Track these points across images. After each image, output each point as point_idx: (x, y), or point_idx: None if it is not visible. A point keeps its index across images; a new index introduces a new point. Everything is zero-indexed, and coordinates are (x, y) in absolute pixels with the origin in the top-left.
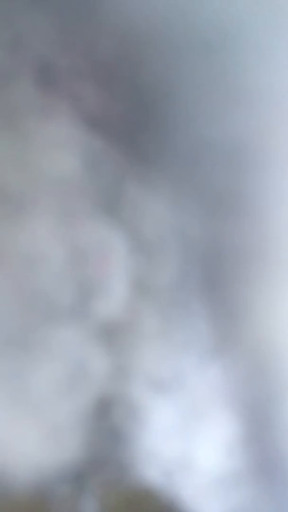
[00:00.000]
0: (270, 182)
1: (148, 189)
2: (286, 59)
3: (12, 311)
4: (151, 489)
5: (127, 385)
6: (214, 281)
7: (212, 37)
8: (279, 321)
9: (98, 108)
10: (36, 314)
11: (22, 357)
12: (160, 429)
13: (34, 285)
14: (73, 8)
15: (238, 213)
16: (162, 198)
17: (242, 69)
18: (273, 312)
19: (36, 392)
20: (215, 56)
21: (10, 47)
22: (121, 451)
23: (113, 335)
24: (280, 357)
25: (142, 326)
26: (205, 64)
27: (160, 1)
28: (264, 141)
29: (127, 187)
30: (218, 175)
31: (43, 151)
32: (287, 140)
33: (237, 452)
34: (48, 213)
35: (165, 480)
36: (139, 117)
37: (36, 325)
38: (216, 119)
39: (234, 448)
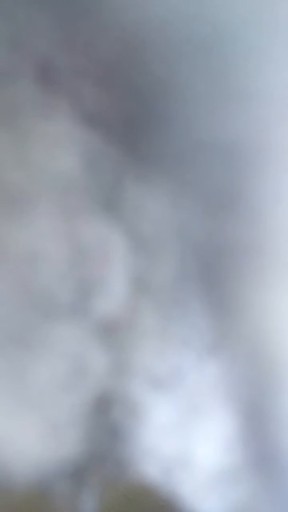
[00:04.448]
0: (268, 180)
1: (147, 187)
2: (284, 60)
3: (12, 308)
4: (150, 485)
5: (126, 382)
6: (212, 278)
7: (212, 37)
8: (277, 318)
9: (97, 107)
10: (36, 311)
11: (21, 354)
12: (159, 426)
13: (34, 282)
14: (74, 7)
15: (237, 211)
16: (161, 196)
17: (240, 69)
18: (272, 309)
19: (35, 388)
20: (214, 56)
21: (10, 46)
22: (120, 448)
23: (112, 333)
24: (278, 354)
25: (141, 323)
26: (204, 64)
27: (160, 1)
28: (261, 140)
29: (127, 185)
30: (217, 174)
31: (43, 149)
32: (284, 139)
33: (236, 448)
34: (48, 211)
35: (164, 476)
36: (139, 116)
37: (36, 322)
38: (214, 118)
39: (232, 444)
